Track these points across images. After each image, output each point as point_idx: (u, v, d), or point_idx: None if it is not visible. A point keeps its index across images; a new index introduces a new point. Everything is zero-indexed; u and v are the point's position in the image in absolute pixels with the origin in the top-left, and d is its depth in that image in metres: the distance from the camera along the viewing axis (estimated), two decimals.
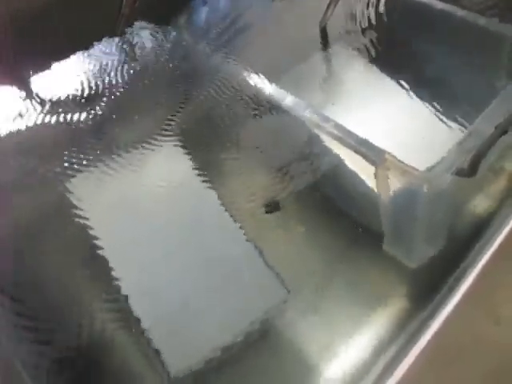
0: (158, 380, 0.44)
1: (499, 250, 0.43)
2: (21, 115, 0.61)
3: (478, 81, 0.65)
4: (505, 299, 0.40)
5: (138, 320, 0.47)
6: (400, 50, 0.71)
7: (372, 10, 0.76)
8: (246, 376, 0.45)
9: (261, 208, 0.57)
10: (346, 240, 0.55)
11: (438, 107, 0.62)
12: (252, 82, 0.61)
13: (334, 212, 0.57)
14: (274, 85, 0.59)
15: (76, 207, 0.54)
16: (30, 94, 0.65)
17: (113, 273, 0.50)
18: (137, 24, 0.72)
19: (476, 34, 0.68)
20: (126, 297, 0.48)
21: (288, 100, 0.57)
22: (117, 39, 0.71)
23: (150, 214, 0.55)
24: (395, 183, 0.50)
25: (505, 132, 0.48)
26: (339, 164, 0.56)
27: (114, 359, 0.46)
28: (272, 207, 0.57)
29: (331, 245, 0.54)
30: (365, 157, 0.51)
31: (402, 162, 0.49)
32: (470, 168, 0.47)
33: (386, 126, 0.60)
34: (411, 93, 0.65)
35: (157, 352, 0.45)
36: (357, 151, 0.51)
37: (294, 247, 0.54)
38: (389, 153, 0.50)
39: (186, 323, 0.48)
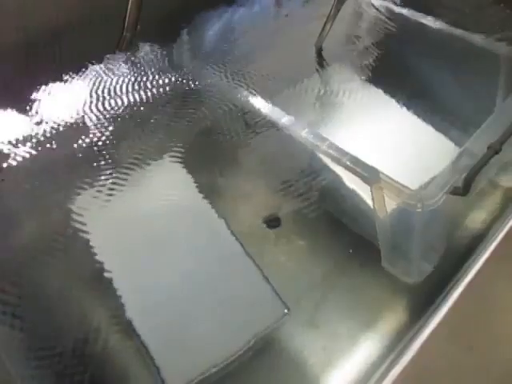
0: None
1: (475, 281, 0.43)
2: (22, 135, 0.63)
3: (474, 99, 0.65)
4: (477, 326, 0.40)
5: (138, 336, 0.48)
6: (396, 70, 0.72)
7: (368, 30, 0.77)
8: None
9: (261, 224, 0.58)
10: (347, 255, 0.55)
11: (435, 125, 0.63)
12: (251, 102, 0.62)
13: (335, 228, 0.58)
14: (271, 105, 0.60)
15: (79, 226, 0.55)
16: (29, 114, 0.66)
17: (114, 289, 0.51)
18: (138, 45, 0.74)
19: (472, 53, 0.68)
20: (127, 313, 0.49)
21: (285, 119, 0.58)
22: (119, 60, 0.73)
23: (150, 231, 0.56)
24: (390, 202, 0.51)
25: (497, 152, 0.49)
26: (338, 181, 0.56)
27: (114, 375, 0.47)
28: (273, 222, 0.58)
29: (331, 260, 0.55)
30: (359, 176, 0.51)
31: (396, 182, 0.50)
32: (464, 187, 0.48)
33: (383, 145, 0.61)
34: (408, 111, 0.66)
35: (157, 368, 0.46)
36: (351, 170, 0.52)
37: (295, 262, 0.55)
38: (382, 172, 0.50)
39: (186, 339, 0.48)
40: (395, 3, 0.78)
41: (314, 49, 0.74)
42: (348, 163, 0.52)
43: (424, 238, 0.52)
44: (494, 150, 0.49)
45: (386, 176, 0.50)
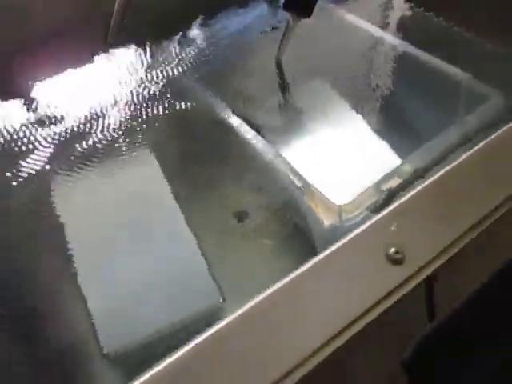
0: (92, 355, 0.50)
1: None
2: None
3: (429, 121, 0.66)
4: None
5: (85, 300, 0.52)
6: (357, 84, 0.73)
7: (330, 44, 0.79)
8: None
9: (226, 218, 0.61)
10: (297, 255, 0.58)
11: (388, 145, 0.65)
12: (218, 111, 0.68)
13: (294, 230, 0.60)
14: (235, 117, 0.65)
15: (49, 209, 0.60)
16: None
17: (73, 265, 0.56)
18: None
19: (430, 75, 0.70)
20: (80, 285, 0.54)
21: (244, 130, 0.63)
22: (101, 61, 0.78)
23: (115, 217, 0.61)
24: (320, 214, 0.54)
25: (420, 177, 0.51)
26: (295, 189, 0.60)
27: (55, 330, 0.51)
28: (238, 218, 0.62)
29: (280, 259, 0.58)
30: (294, 186, 0.56)
31: (323, 196, 0.54)
32: (381, 206, 0.51)
33: (334, 156, 0.63)
34: (366, 125, 0.67)
35: (95, 330, 0.50)
36: (288, 180, 0.56)
37: (245, 257, 0.58)
38: (313, 184, 0.54)
39: (125, 310, 0.53)
40: (360, 18, 0.79)
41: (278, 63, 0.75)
42: (286, 172, 0.56)
43: None
44: (418, 175, 0.52)
45: (316, 189, 0.54)
